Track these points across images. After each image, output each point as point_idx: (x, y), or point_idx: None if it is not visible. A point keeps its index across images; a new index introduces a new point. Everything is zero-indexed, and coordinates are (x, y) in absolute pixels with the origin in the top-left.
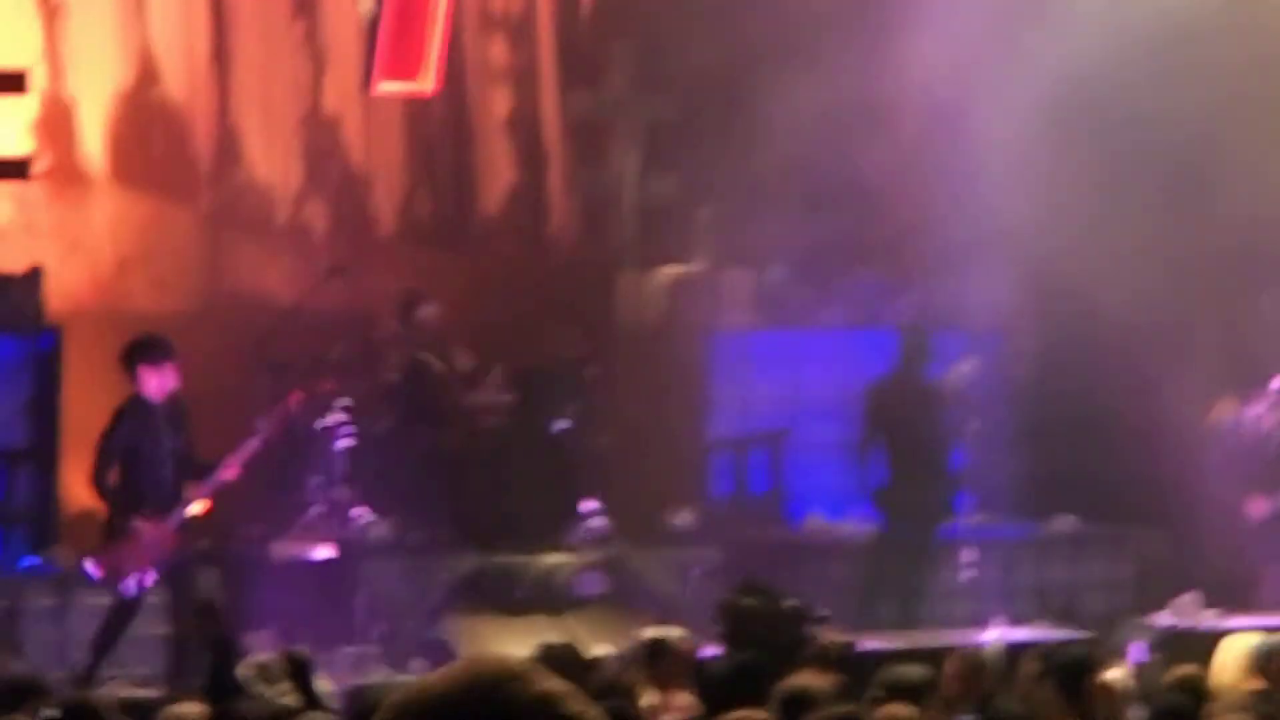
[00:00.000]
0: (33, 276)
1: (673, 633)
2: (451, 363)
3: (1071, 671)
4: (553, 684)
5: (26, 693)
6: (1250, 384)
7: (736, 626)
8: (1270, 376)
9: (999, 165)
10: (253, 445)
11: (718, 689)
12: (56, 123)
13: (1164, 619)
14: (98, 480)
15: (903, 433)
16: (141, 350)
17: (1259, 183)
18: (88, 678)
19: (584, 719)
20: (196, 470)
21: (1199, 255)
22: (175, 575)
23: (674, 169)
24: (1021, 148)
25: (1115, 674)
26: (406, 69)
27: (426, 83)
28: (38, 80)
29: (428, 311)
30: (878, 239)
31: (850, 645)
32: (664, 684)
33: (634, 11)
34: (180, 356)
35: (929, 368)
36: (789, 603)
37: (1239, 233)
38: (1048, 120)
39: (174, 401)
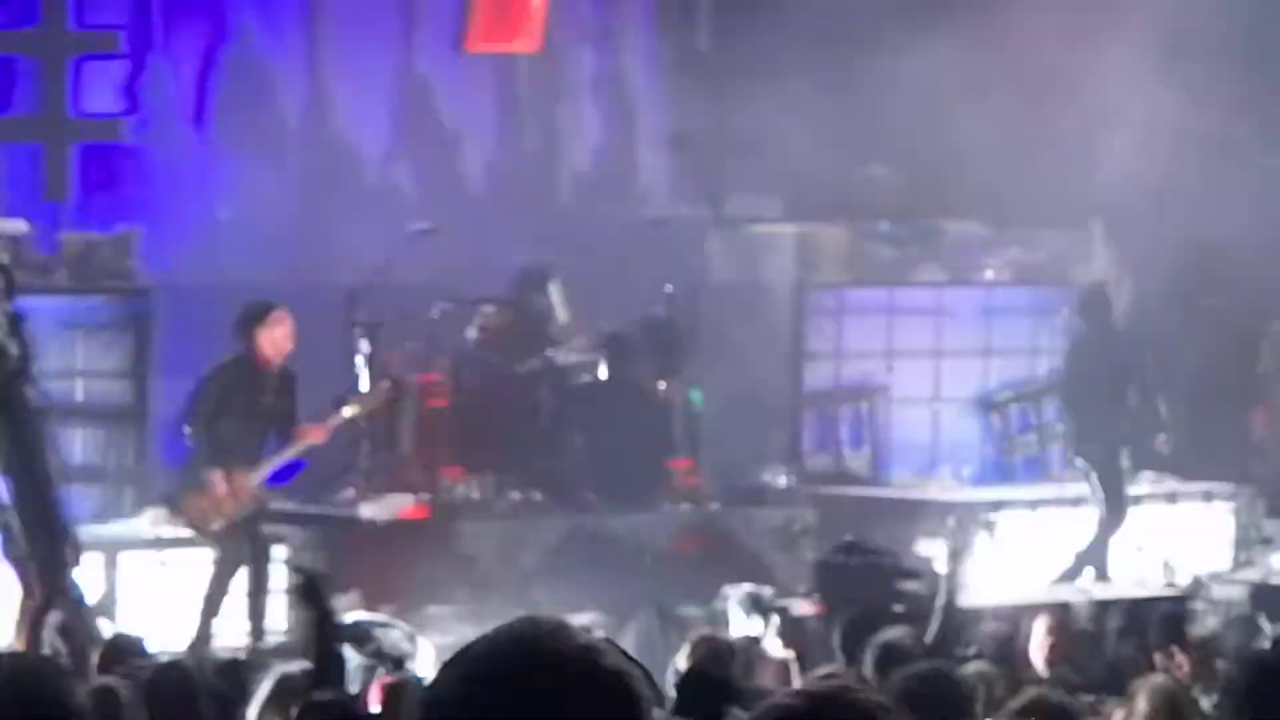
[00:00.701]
0: (125, 239)
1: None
2: (549, 324)
3: (1164, 628)
4: (592, 638)
5: (122, 653)
6: None
7: (833, 584)
8: None
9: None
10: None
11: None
12: (150, 84)
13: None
14: (187, 430)
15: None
16: (259, 314)
17: None
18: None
19: (624, 674)
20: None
21: None
22: (255, 533)
23: (767, 124)
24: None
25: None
26: (504, 34)
27: (525, 44)
28: (131, 42)
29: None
30: (975, 194)
31: (934, 599)
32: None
33: None
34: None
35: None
36: (885, 559)
37: None
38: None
39: (285, 365)
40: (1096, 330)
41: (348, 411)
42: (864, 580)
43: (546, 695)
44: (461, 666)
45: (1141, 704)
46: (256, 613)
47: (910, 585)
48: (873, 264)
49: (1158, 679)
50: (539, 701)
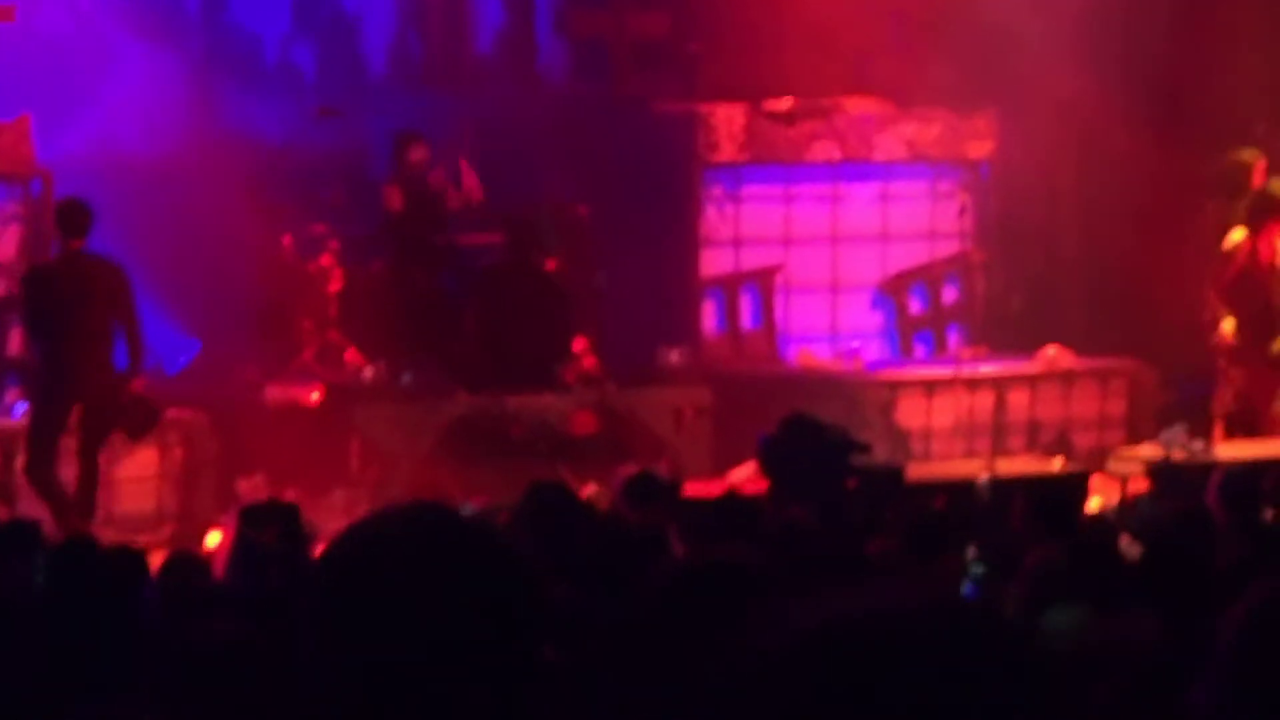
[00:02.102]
0: (22, 123)
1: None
2: (446, 201)
3: (1059, 504)
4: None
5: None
6: None
7: (783, 463)
8: None
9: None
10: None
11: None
12: None
13: (1153, 451)
14: None
15: None
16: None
17: None
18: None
19: (513, 550)
20: None
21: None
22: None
23: (665, 5)
24: None
25: (1103, 505)
26: None
27: None
28: None
29: (419, 152)
30: (873, 74)
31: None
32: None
33: None
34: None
35: None
36: (833, 436)
37: None
38: None
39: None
40: None
41: None
42: (816, 457)
43: (438, 563)
44: (352, 541)
45: None
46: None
47: (861, 459)
48: (770, 142)
49: None
50: (429, 570)
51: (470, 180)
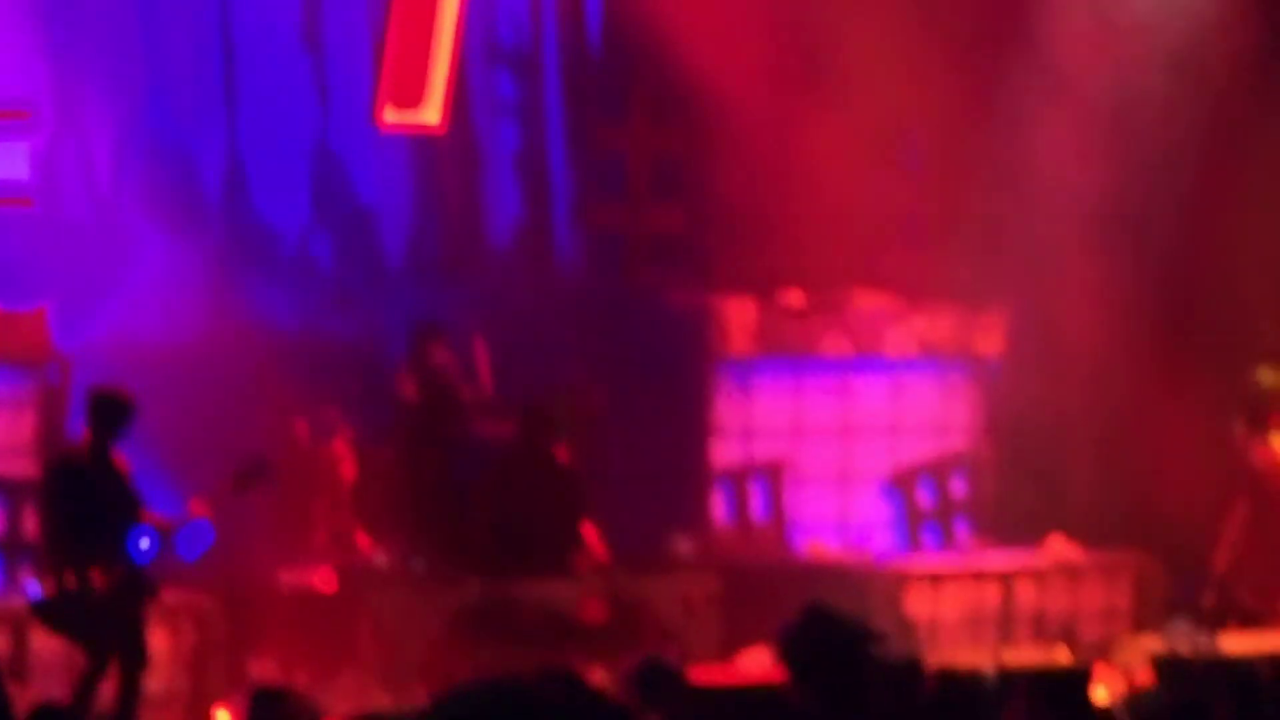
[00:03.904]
0: (39, 314)
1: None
2: (459, 392)
3: (1064, 695)
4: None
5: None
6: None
7: (804, 652)
8: None
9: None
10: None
11: None
12: (66, 155)
13: (1158, 643)
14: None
15: None
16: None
17: None
18: None
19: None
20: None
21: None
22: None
23: (679, 200)
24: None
25: (1107, 695)
26: (410, 97)
27: (431, 114)
28: (46, 113)
29: (440, 350)
30: (884, 268)
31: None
32: (661, 705)
33: (640, 46)
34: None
35: None
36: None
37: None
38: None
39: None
40: None
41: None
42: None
43: None
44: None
45: None
46: None
47: (878, 649)
48: (781, 336)
49: None
50: None
51: (484, 370)
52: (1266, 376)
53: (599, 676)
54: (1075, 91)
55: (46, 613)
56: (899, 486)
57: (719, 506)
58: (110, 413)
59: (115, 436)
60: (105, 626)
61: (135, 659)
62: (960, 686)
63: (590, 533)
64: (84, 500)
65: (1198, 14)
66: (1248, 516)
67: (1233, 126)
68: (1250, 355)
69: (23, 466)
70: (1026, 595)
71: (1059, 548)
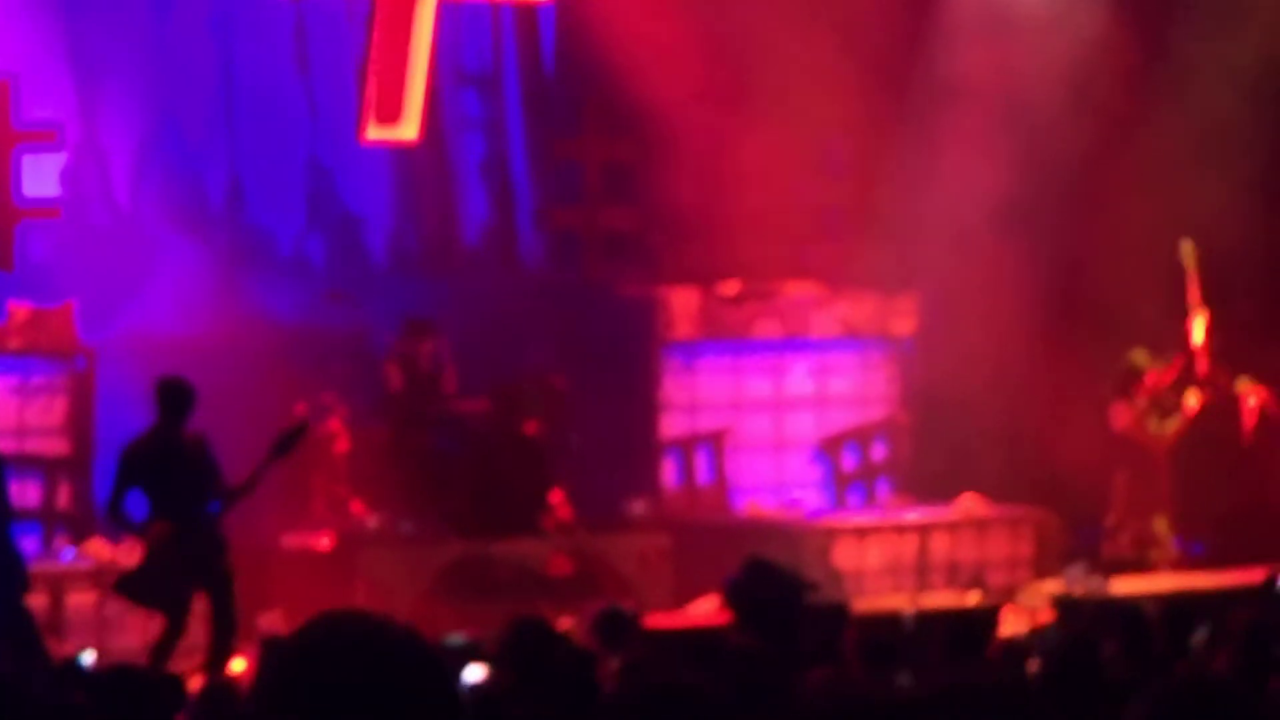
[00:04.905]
0: (66, 309)
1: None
2: (438, 381)
3: (974, 632)
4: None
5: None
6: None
7: (745, 600)
8: None
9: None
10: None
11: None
12: (89, 170)
13: (1057, 587)
14: None
15: None
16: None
17: None
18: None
19: (441, 664)
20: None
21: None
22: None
23: (630, 202)
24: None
25: (1015, 632)
26: (390, 115)
27: (409, 130)
28: (71, 133)
29: (428, 342)
30: (811, 260)
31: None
32: (620, 648)
33: (592, 66)
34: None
35: None
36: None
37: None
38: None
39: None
40: None
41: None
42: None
43: (369, 672)
44: (284, 652)
45: None
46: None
47: (810, 595)
48: (720, 322)
49: None
50: (363, 679)
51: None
52: (1138, 357)
53: (565, 624)
54: (977, 100)
55: (128, 587)
56: (826, 452)
57: (668, 473)
58: (175, 397)
59: (182, 417)
60: (178, 591)
61: (227, 612)
62: (883, 627)
63: (556, 497)
64: (156, 476)
65: (1085, 30)
66: (1126, 477)
67: (1117, 129)
68: (1132, 335)
69: (56, 445)
70: (941, 546)
71: (969, 504)
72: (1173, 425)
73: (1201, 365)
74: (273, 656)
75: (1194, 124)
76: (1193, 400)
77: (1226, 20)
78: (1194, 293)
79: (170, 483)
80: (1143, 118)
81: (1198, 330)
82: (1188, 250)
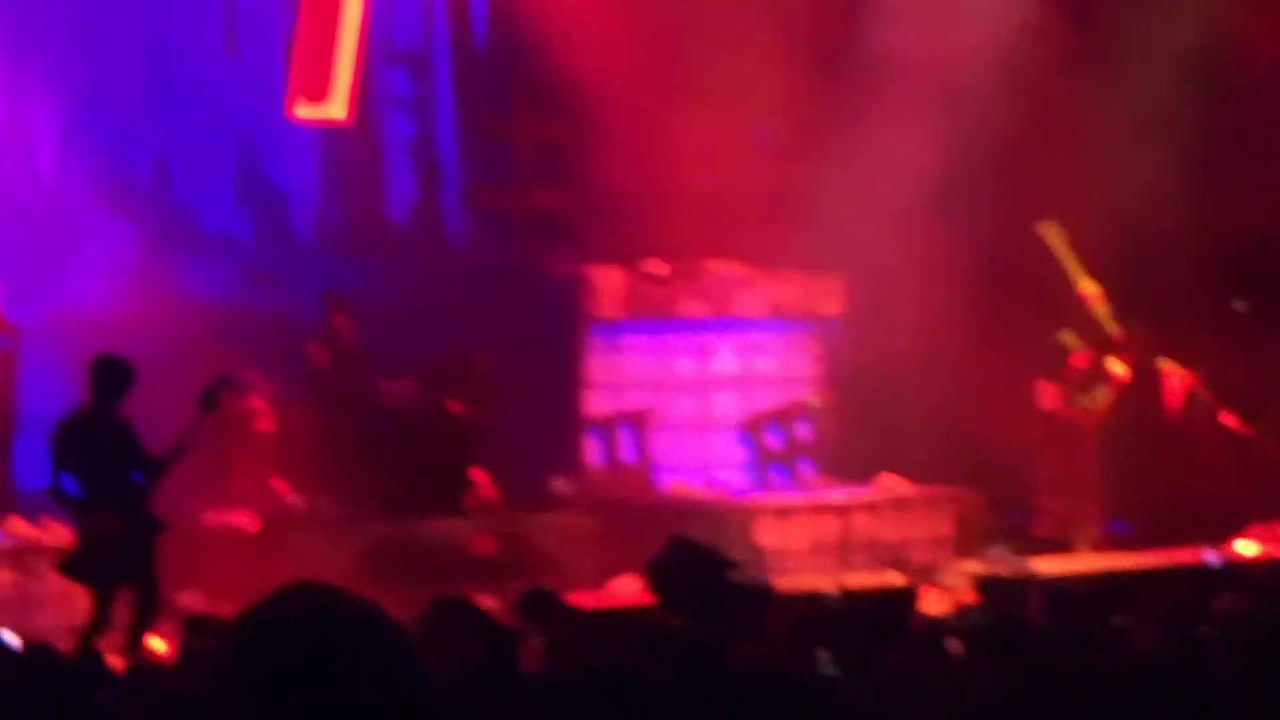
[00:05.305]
0: None
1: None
2: (361, 358)
3: (895, 611)
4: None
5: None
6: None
7: (669, 580)
8: None
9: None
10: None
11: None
12: (13, 148)
13: (979, 566)
14: None
15: None
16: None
17: None
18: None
19: (399, 632)
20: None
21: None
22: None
23: (557, 182)
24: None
25: (935, 609)
26: (318, 93)
27: (338, 109)
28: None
29: (342, 317)
30: (737, 240)
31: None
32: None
33: (523, 45)
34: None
35: None
36: (711, 556)
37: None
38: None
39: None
40: None
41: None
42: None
43: (329, 648)
44: (244, 629)
45: None
46: None
47: (733, 575)
48: (646, 300)
49: None
50: (321, 654)
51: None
52: (1066, 338)
53: (489, 603)
54: (908, 79)
55: (69, 566)
56: (750, 431)
57: (593, 451)
58: (111, 376)
59: (117, 397)
60: (118, 569)
61: (150, 591)
62: (805, 606)
63: (480, 476)
64: (87, 455)
65: (1019, 8)
66: (1053, 457)
67: (1050, 109)
68: (1058, 316)
69: None
70: (863, 526)
71: (891, 484)
72: (1103, 396)
73: (1114, 333)
74: (241, 632)
75: (1128, 104)
76: (1118, 367)
77: None
78: (1073, 269)
79: (105, 462)
80: (1077, 97)
81: (1096, 304)
82: (1051, 231)
